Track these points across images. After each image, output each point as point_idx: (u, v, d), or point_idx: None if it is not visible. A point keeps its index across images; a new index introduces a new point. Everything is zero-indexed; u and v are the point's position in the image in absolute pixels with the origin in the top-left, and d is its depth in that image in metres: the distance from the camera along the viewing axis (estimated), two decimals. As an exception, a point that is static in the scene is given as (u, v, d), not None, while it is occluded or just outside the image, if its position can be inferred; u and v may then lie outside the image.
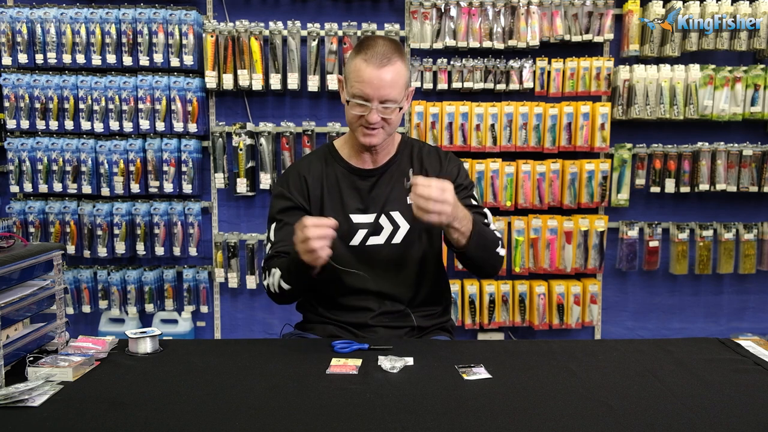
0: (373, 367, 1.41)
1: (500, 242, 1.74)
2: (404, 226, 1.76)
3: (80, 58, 3.28)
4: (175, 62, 3.28)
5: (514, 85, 3.32)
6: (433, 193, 1.47)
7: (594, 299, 3.41)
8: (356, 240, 1.75)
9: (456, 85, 3.32)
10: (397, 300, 1.77)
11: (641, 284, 3.62)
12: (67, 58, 3.28)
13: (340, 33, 3.30)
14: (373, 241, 1.75)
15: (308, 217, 1.53)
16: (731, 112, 3.33)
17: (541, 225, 3.36)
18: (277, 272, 1.65)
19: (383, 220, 1.76)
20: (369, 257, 1.75)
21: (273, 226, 1.77)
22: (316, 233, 1.48)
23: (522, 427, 1.13)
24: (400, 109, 1.66)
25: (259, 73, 3.28)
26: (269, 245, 1.76)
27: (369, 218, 1.76)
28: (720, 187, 3.37)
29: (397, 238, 1.76)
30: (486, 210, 1.79)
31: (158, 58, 3.28)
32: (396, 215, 1.76)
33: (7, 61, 3.32)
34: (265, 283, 1.73)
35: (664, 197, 3.52)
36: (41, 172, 3.33)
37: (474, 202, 1.78)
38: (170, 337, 2.95)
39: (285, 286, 1.65)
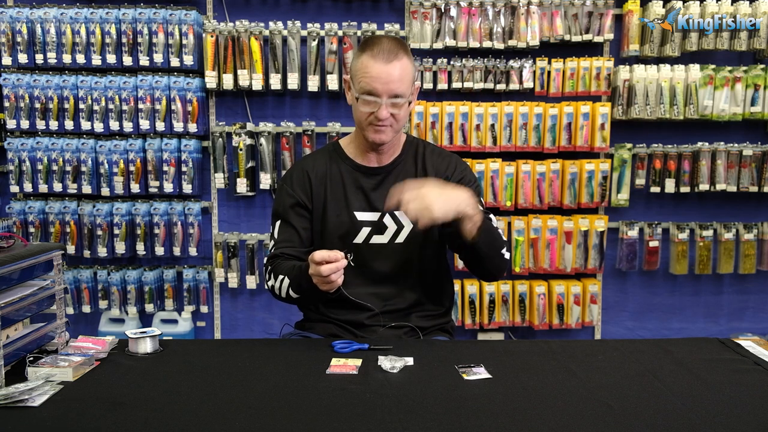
0: (373, 367, 1.41)
1: (506, 245, 1.73)
2: (408, 226, 1.76)
3: (80, 58, 3.28)
4: (175, 62, 3.28)
5: (514, 85, 3.32)
6: (407, 196, 1.50)
7: (594, 299, 3.41)
8: (360, 238, 1.76)
9: (456, 85, 3.32)
10: (399, 300, 1.77)
11: (641, 284, 3.62)
12: (67, 58, 3.28)
13: (340, 33, 3.30)
14: (377, 239, 1.76)
15: (317, 253, 1.51)
16: (731, 112, 3.33)
17: (541, 225, 3.36)
18: (285, 280, 1.66)
19: (387, 220, 1.76)
20: (372, 255, 1.76)
21: (278, 223, 1.79)
22: (329, 269, 1.49)
23: (522, 427, 1.13)
24: (409, 104, 1.70)
25: (259, 73, 3.28)
26: (273, 242, 1.78)
27: (373, 216, 1.77)
28: (720, 187, 3.36)
29: (401, 238, 1.76)
30: (491, 215, 1.79)
31: (158, 58, 3.28)
32: (400, 215, 1.76)
33: (7, 61, 3.32)
34: (269, 283, 1.73)
35: (664, 197, 3.52)
36: (41, 172, 3.33)
37: (480, 208, 1.78)
38: (170, 337, 2.96)
39: (293, 294, 1.67)
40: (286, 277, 1.66)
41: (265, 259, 1.78)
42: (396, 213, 1.76)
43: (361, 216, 1.77)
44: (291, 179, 1.81)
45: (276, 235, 1.78)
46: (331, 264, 1.49)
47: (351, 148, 1.82)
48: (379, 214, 1.76)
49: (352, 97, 1.70)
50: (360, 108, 1.68)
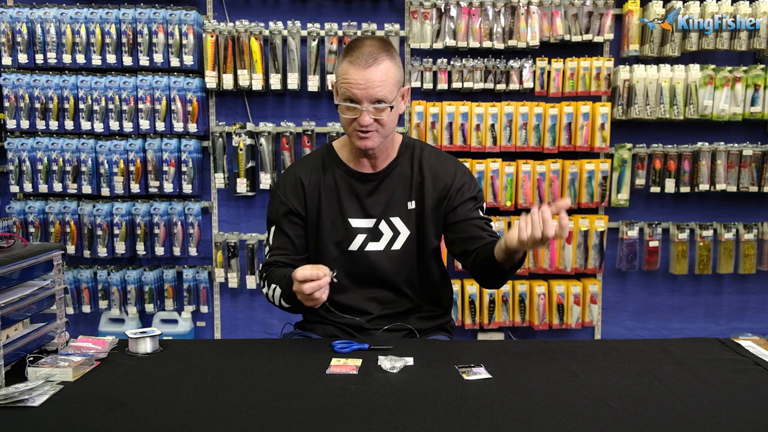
0: (373, 367, 1.41)
1: None
2: (404, 232, 1.74)
3: (80, 58, 3.28)
4: (175, 62, 3.28)
5: (514, 85, 3.32)
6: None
7: (594, 299, 3.41)
8: (355, 245, 1.73)
9: (456, 85, 3.31)
10: (397, 304, 1.76)
11: (641, 284, 3.62)
12: (67, 58, 3.28)
13: (340, 33, 3.30)
14: (372, 247, 1.73)
15: (299, 270, 1.49)
16: (731, 112, 3.33)
17: (541, 225, 3.35)
18: (277, 290, 1.65)
19: (383, 226, 1.73)
20: (368, 262, 1.73)
21: (272, 229, 1.77)
22: (312, 288, 1.48)
23: (522, 427, 1.13)
24: (392, 108, 1.63)
25: (259, 73, 3.28)
26: (267, 248, 1.77)
27: (368, 223, 1.73)
28: (720, 187, 3.36)
29: (397, 245, 1.74)
30: (491, 220, 1.81)
31: (158, 58, 3.28)
32: (396, 221, 1.73)
33: (7, 61, 3.32)
34: (263, 290, 1.72)
35: (664, 197, 3.52)
36: (41, 172, 3.33)
37: (482, 214, 1.77)
38: (170, 337, 2.96)
39: (285, 304, 1.66)
40: (277, 287, 1.65)
41: (260, 266, 1.77)
42: (391, 219, 1.73)
43: (355, 223, 1.73)
44: (284, 186, 1.77)
45: (271, 242, 1.76)
46: (313, 282, 1.47)
47: (344, 152, 1.77)
48: (374, 220, 1.73)
49: (336, 101, 1.66)
50: (342, 115, 1.63)
